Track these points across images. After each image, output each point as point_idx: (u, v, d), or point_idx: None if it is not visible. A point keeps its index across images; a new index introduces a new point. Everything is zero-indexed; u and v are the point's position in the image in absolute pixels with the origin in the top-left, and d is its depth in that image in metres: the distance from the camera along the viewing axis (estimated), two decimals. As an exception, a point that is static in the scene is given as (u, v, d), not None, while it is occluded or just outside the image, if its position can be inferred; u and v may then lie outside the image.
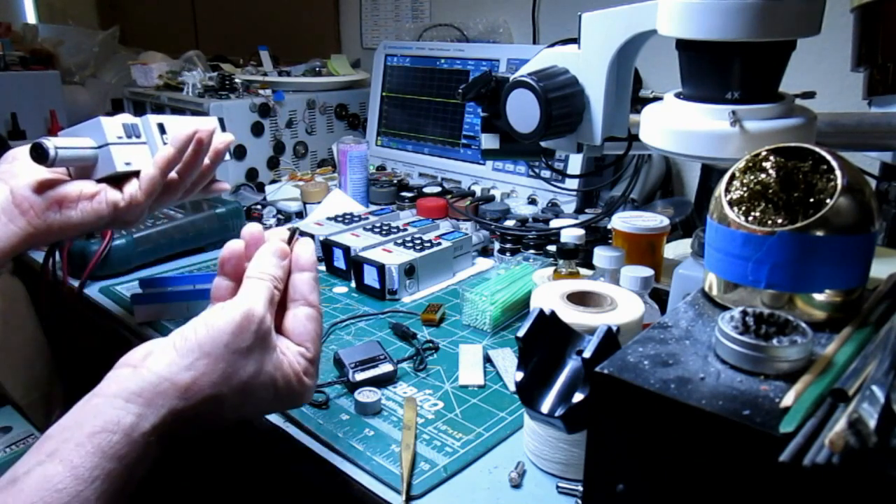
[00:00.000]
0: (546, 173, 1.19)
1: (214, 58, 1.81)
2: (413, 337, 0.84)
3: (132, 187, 0.70)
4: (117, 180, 0.70)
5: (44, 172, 0.68)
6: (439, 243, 1.03)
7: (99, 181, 0.70)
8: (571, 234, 0.89)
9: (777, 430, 0.34)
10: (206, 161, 0.75)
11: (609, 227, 0.95)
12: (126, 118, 0.71)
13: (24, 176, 0.68)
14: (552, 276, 0.84)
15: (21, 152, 0.70)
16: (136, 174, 0.70)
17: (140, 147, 0.71)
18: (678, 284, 0.66)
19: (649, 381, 0.38)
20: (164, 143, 0.72)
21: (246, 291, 0.52)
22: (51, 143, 0.64)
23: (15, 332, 1.40)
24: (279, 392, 0.52)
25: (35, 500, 0.40)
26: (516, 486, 0.59)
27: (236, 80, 1.50)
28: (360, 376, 0.73)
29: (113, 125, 0.69)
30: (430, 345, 0.83)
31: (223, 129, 0.78)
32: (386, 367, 0.75)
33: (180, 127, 0.72)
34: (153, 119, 0.72)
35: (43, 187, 0.68)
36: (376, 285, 0.97)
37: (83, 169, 0.69)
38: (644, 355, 0.41)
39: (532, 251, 1.05)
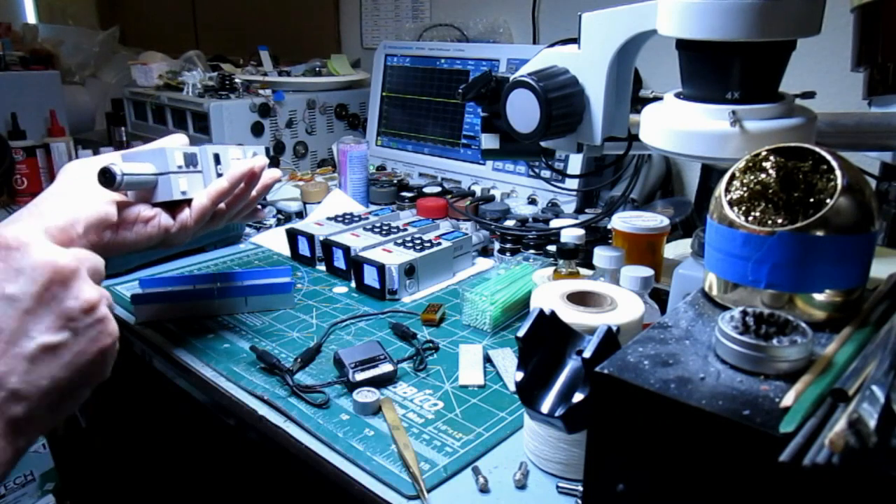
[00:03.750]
0: (546, 173, 1.19)
1: (214, 58, 1.81)
2: (413, 337, 0.84)
3: (184, 214, 0.73)
4: (171, 205, 0.73)
5: (107, 195, 0.68)
6: (439, 243, 1.03)
7: (154, 205, 0.72)
8: (571, 234, 0.89)
9: (777, 430, 0.34)
10: (253, 193, 0.80)
11: (609, 227, 0.95)
12: (185, 146, 0.74)
13: (83, 194, 0.67)
14: (552, 276, 0.84)
15: (81, 166, 0.69)
16: (189, 201, 0.74)
17: (196, 175, 0.74)
18: (678, 284, 0.66)
19: (649, 381, 0.38)
20: (218, 174, 0.77)
21: None
22: (118, 168, 0.66)
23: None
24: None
25: None
26: (521, 486, 0.59)
27: (236, 80, 1.51)
28: (360, 376, 0.73)
29: (176, 154, 0.72)
30: (430, 345, 0.83)
31: (271, 162, 0.83)
32: (386, 367, 0.75)
33: (235, 161, 0.79)
34: (210, 150, 0.76)
35: (107, 207, 0.68)
36: (376, 285, 0.97)
37: (142, 192, 0.71)
38: (644, 355, 0.41)
39: (532, 251, 1.05)
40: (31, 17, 2.90)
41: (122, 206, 0.70)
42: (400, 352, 0.81)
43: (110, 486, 1.50)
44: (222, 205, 0.76)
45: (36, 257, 0.49)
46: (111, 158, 0.71)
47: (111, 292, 1.00)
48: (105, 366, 0.52)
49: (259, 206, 0.87)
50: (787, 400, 0.36)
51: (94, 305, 0.51)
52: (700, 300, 0.49)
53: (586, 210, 1.21)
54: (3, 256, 0.48)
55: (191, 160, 0.73)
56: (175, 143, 0.77)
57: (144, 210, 0.71)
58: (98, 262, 0.56)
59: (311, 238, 1.09)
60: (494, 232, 1.14)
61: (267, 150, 0.85)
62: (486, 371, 0.77)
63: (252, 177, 0.77)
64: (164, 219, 0.72)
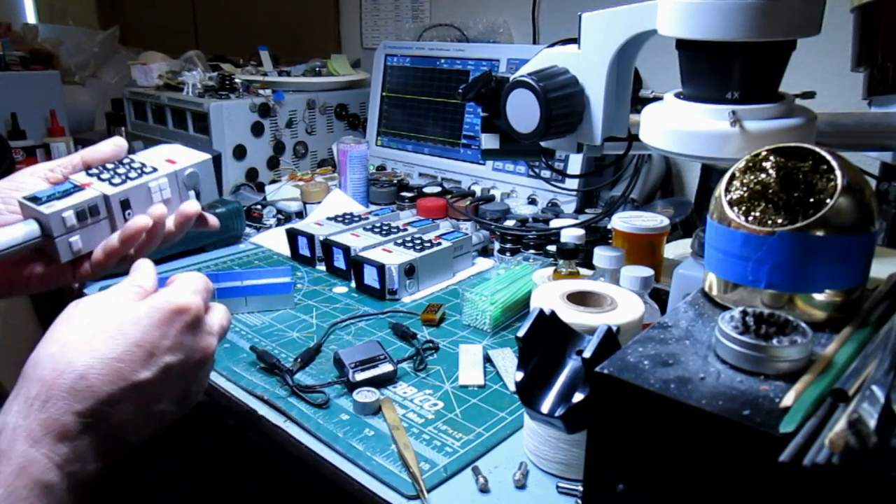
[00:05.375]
0: (546, 173, 1.19)
1: (214, 58, 1.81)
2: (413, 337, 0.84)
3: (83, 269, 0.66)
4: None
5: None
6: (439, 243, 1.03)
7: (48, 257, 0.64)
8: (571, 234, 0.89)
9: (777, 430, 0.34)
10: (171, 228, 0.69)
11: (609, 227, 0.95)
12: (88, 194, 0.64)
13: None
14: (552, 276, 0.84)
15: None
16: (89, 255, 0.66)
17: (99, 225, 0.65)
18: (678, 284, 0.66)
19: (649, 381, 0.38)
20: (127, 219, 0.66)
21: None
22: None
23: (15, 332, 1.40)
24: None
25: None
26: (521, 487, 0.59)
27: (236, 80, 1.50)
28: (360, 376, 0.73)
29: (66, 217, 0.62)
30: (430, 345, 0.83)
31: (217, 164, 0.74)
32: (386, 367, 0.75)
33: (154, 201, 0.67)
34: (117, 196, 0.65)
35: None
36: (376, 285, 0.97)
37: (28, 250, 0.63)
38: (644, 355, 0.41)
39: (532, 251, 1.05)
40: (31, 17, 2.90)
41: (8, 267, 0.63)
42: (400, 352, 0.81)
43: (110, 485, 1.50)
44: (129, 252, 0.67)
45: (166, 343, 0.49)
46: (31, 185, 0.63)
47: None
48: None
49: (206, 217, 0.74)
50: (787, 400, 0.36)
51: (203, 362, 0.53)
52: (700, 300, 0.49)
53: (586, 210, 1.21)
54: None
55: (91, 213, 0.64)
56: (103, 154, 0.68)
57: (37, 268, 0.65)
58: (197, 300, 0.53)
59: (311, 238, 1.09)
60: (494, 232, 1.14)
61: (216, 156, 0.75)
62: (486, 371, 0.77)
63: (155, 229, 0.66)
64: (60, 272, 0.65)
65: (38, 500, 0.41)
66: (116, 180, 0.66)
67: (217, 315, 0.53)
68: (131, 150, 0.72)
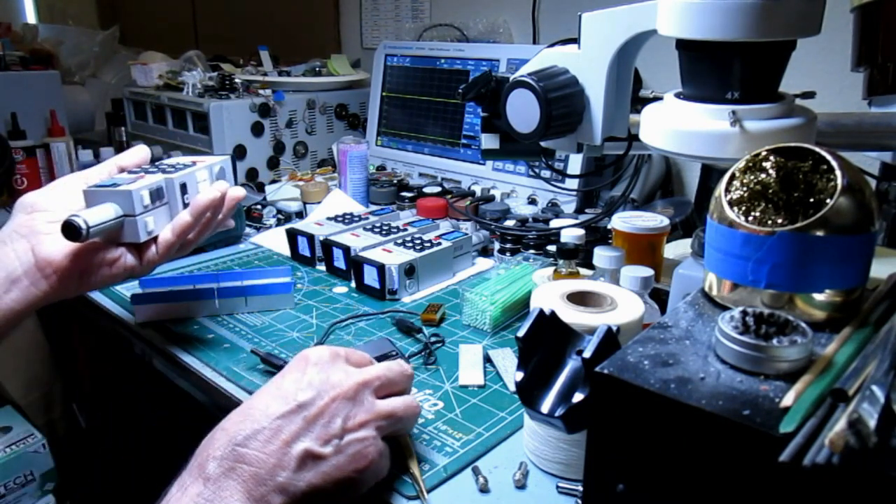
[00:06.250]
0: (546, 173, 1.19)
1: (214, 58, 1.81)
2: (418, 331, 0.85)
3: (151, 252, 0.70)
4: (136, 243, 0.70)
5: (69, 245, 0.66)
6: (439, 243, 1.03)
7: (119, 244, 0.69)
8: (571, 234, 0.89)
9: (777, 430, 0.34)
10: (219, 218, 0.76)
11: (609, 227, 0.95)
12: (150, 180, 0.69)
13: (47, 239, 0.66)
14: (552, 276, 0.84)
15: (39, 200, 0.68)
16: (156, 237, 0.70)
17: (162, 209, 0.71)
18: (678, 284, 0.66)
19: (649, 381, 0.38)
20: (185, 204, 0.73)
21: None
22: (81, 219, 0.62)
23: (15, 332, 1.40)
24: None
25: None
26: (521, 487, 0.59)
27: (236, 80, 1.50)
28: None
29: (143, 195, 0.67)
30: (437, 338, 0.83)
31: (234, 165, 0.80)
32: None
33: (203, 184, 0.76)
34: (177, 180, 0.72)
35: (71, 259, 0.66)
36: (376, 285, 0.97)
37: (108, 235, 0.68)
38: (644, 355, 0.41)
39: (532, 251, 1.05)
40: (31, 17, 2.90)
41: (84, 252, 0.66)
42: (406, 349, 0.81)
43: (110, 486, 1.50)
44: (191, 235, 0.73)
45: (333, 379, 0.54)
46: (69, 196, 0.67)
47: (111, 292, 1.00)
48: (360, 484, 0.53)
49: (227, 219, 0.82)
50: (787, 400, 0.36)
51: (363, 424, 0.53)
52: (700, 300, 0.49)
53: (586, 210, 1.21)
54: (301, 367, 0.55)
55: (157, 195, 0.69)
56: (135, 158, 0.73)
57: (109, 253, 0.68)
58: (390, 376, 0.58)
59: (311, 238, 1.09)
60: (494, 232, 1.14)
61: (232, 157, 0.81)
62: (486, 371, 0.77)
63: (217, 205, 0.73)
64: (128, 259, 0.69)
65: None
66: (167, 172, 0.72)
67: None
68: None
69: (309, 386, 0.53)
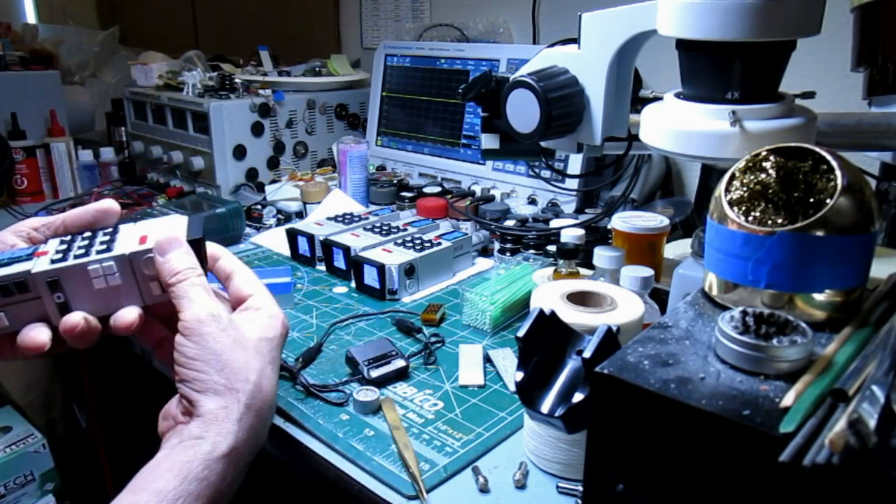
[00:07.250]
0: (546, 173, 1.19)
1: (214, 58, 1.81)
2: (418, 331, 0.85)
3: (18, 347, 0.57)
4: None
5: None
6: (439, 243, 1.03)
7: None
8: (571, 234, 0.89)
9: (777, 430, 0.34)
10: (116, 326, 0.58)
11: (609, 227, 0.95)
12: (12, 269, 0.56)
13: None
14: (552, 276, 0.84)
15: None
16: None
17: (31, 304, 0.57)
18: (678, 284, 0.66)
19: (649, 381, 0.38)
20: (56, 302, 0.56)
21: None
22: None
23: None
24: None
25: None
26: (521, 487, 0.59)
27: (236, 80, 1.50)
28: (375, 373, 0.73)
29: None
30: (437, 338, 0.83)
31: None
32: (399, 363, 0.75)
33: (81, 292, 0.56)
34: (40, 278, 0.55)
35: None
36: (376, 285, 0.97)
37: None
38: (644, 355, 0.41)
39: (532, 251, 1.05)
40: (31, 17, 2.90)
41: None
42: (405, 349, 0.81)
43: (110, 486, 1.50)
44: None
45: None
46: None
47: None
48: None
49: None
50: (787, 400, 0.36)
51: None
52: (700, 300, 0.49)
53: (586, 210, 1.21)
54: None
55: (16, 289, 0.56)
56: (82, 220, 0.60)
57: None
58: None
59: (311, 238, 1.09)
60: (494, 232, 1.14)
61: (194, 241, 0.60)
62: (486, 371, 0.77)
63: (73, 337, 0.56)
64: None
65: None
66: (58, 257, 0.57)
67: None
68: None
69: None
